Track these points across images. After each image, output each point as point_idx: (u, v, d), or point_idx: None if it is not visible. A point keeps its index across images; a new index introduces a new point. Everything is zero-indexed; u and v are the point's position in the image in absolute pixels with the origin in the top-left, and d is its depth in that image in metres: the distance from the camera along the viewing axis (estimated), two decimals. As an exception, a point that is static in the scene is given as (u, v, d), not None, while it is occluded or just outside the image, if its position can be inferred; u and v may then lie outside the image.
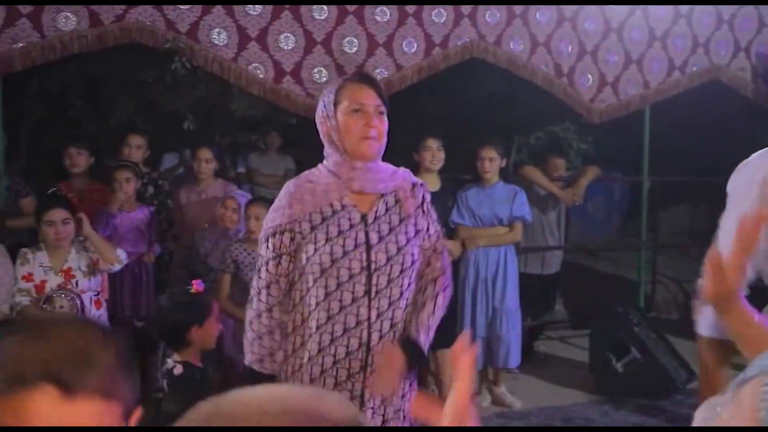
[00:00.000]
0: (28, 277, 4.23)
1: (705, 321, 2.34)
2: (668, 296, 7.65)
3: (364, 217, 2.45)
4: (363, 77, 2.52)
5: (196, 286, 3.34)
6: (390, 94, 5.08)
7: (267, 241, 2.49)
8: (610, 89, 5.76)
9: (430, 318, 2.54)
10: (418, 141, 5.05)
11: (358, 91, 2.44)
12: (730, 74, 6.11)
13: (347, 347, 2.44)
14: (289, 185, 2.53)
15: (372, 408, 2.47)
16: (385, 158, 2.56)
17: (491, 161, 5.12)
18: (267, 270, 2.49)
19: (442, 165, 5.10)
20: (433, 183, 5.04)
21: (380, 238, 2.44)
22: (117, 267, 4.44)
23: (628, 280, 7.15)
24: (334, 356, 2.44)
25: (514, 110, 6.50)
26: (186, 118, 5.64)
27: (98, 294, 4.43)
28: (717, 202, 2.99)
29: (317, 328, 2.44)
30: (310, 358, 2.46)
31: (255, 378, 2.48)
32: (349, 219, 2.44)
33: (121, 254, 4.45)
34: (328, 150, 2.50)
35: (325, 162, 2.53)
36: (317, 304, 2.43)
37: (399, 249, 2.45)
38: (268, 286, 2.49)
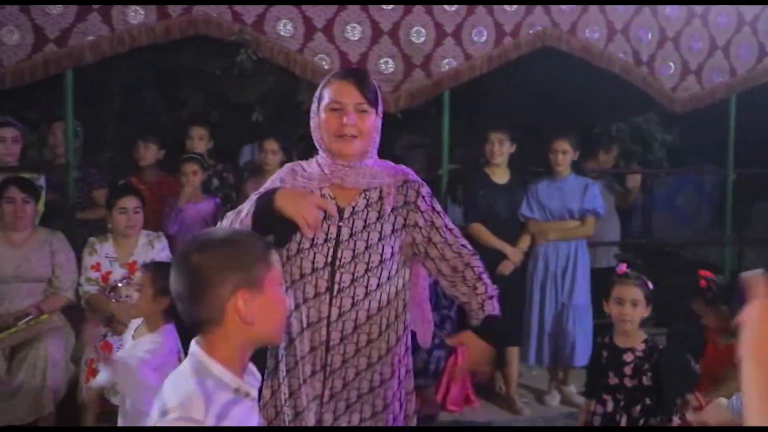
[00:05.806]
0: (96, 267, 4.28)
1: None
2: (759, 294, 7.18)
3: (340, 212, 2.40)
4: (348, 73, 2.46)
5: None
6: (459, 85, 4.99)
7: (253, 199, 2.39)
8: (693, 77, 5.48)
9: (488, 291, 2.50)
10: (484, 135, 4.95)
11: (339, 88, 2.37)
12: (827, 60, 5.74)
13: (311, 342, 2.39)
14: (286, 166, 2.55)
15: (333, 411, 2.39)
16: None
17: (564, 154, 4.96)
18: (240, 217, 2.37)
19: (517, 159, 4.97)
20: (501, 176, 4.95)
21: (351, 234, 2.38)
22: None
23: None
24: (299, 352, 2.41)
25: (592, 101, 6.30)
26: (255, 111, 5.66)
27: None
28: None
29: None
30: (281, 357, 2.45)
31: None
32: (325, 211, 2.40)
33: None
34: (317, 144, 2.49)
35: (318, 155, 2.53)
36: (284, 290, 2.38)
37: (367, 247, 2.36)
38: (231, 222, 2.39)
